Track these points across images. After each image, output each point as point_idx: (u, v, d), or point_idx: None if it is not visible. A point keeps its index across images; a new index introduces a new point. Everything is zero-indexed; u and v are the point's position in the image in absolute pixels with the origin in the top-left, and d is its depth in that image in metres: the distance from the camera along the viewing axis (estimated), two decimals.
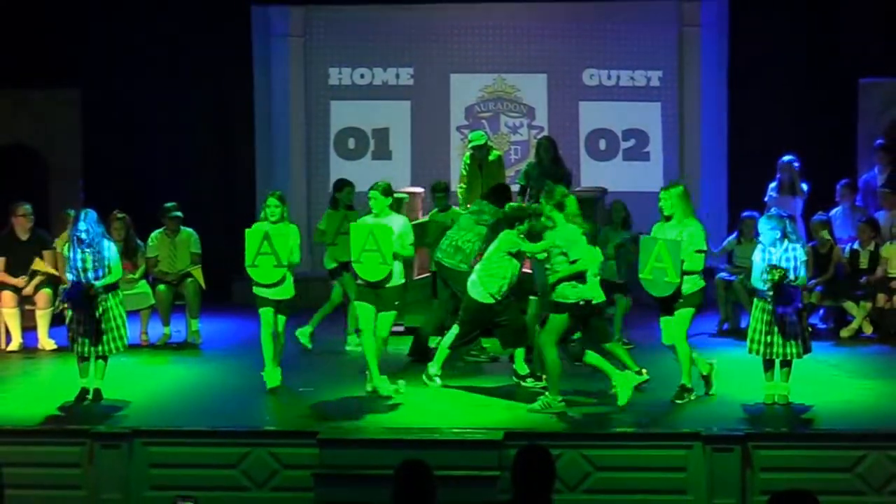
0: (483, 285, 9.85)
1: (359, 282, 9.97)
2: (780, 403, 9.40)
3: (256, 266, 10.07)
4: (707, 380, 9.76)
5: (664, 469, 8.66)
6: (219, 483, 8.73)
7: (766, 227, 9.43)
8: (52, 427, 9.15)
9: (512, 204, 10.38)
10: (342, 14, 15.52)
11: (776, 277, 9.10)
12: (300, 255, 10.34)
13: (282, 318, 10.19)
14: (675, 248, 9.31)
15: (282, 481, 8.78)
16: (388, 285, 9.85)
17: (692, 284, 9.42)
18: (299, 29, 15.50)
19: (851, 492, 8.54)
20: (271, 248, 10.04)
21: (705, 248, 9.47)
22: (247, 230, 10.15)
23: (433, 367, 10.17)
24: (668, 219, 9.58)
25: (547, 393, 9.34)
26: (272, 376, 10.15)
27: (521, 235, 9.83)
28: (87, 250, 9.67)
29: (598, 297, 9.84)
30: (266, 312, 10.07)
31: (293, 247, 10.10)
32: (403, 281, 10.12)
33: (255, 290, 10.15)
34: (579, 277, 9.30)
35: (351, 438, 8.81)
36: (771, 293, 9.18)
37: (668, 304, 9.50)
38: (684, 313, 9.45)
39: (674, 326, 9.50)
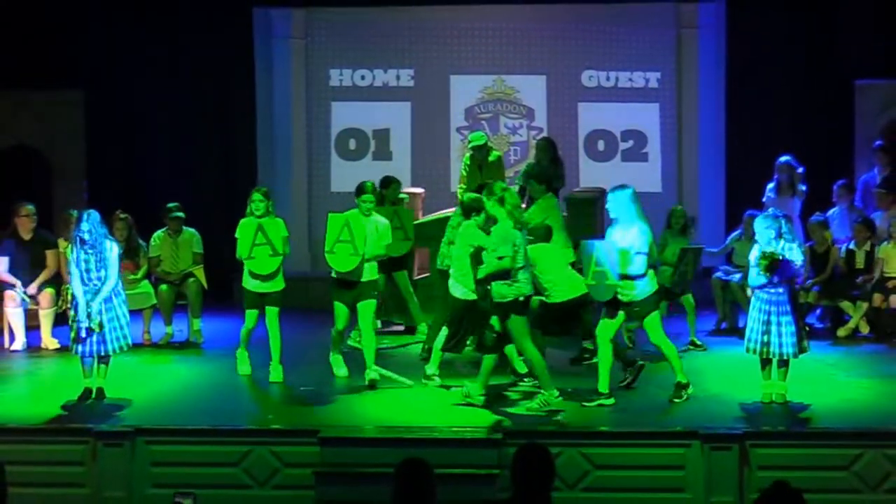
0: (463, 284, 9.86)
1: (333, 275, 10.22)
2: (778, 402, 9.45)
3: (253, 258, 10.26)
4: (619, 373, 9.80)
5: (662, 467, 8.70)
6: (220, 481, 8.78)
7: (761, 227, 9.51)
8: (55, 426, 9.19)
9: (470, 195, 10.16)
10: (343, 16, 15.55)
11: (767, 262, 9.18)
12: (290, 249, 10.64)
13: (274, 310, 10.37)
14: (609, 249, 9.34)
15: (283, 479, 8.82)
16: (360, 279, 10.10)
17: (640, 291, 9.35)
18: (301, 31, 15.54)
19: (848, 490, 8.59)
20: (266, 238, 10.27)
21: (646, 251, 9.35)
22: (239, 224, 10.35)
23: (430, 368, 10.22)
24: (614, 221, 9.58)
25: (542, 391, 9.36)
26: (243, 361, 10.57)
27: (479, 227, 9.73)
28: (90, 251, 9.71)
29: (578, 290, 9.88)
30: (251, 314, 10.39)
31: (284, 238, 10.37)
32: (377, 277, 10.41)
33: (245, 284, 10.39)
34: (505, 275, 9.17)
35: (352, 437, 8.86)
36: (766, 275, 9.23)
37: (614, 307, 9.47)
38: (650, 319, 9.45)
39: (649, 333, 9.55)
